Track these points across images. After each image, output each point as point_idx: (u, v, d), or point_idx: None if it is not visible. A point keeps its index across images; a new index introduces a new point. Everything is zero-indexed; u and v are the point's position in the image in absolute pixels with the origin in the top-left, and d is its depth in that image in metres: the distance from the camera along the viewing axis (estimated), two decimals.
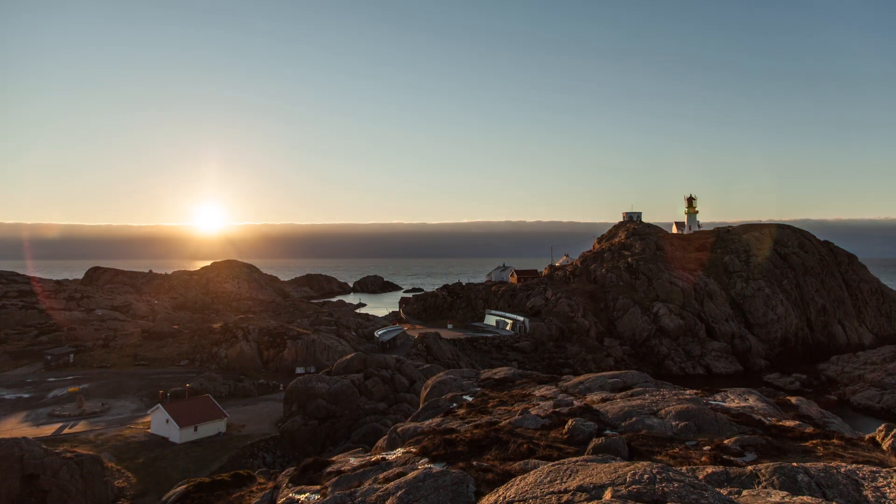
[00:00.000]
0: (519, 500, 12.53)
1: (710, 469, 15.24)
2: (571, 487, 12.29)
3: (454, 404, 32.67)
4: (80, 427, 65.16)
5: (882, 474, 13.42)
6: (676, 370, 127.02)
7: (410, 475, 16.28)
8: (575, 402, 28.53)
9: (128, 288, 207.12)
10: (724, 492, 11.94)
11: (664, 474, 11.83)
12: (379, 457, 21.75)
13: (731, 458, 17.86)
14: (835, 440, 20.24)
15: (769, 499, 11.56)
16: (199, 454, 59.98)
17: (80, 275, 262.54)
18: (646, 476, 11.82)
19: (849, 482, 13.21)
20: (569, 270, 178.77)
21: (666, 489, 11.13)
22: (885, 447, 19.37)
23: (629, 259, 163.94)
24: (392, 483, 16.39)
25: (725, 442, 19.92)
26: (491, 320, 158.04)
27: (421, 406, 36.64)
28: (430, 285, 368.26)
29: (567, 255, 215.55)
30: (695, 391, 31.01)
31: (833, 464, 14.56)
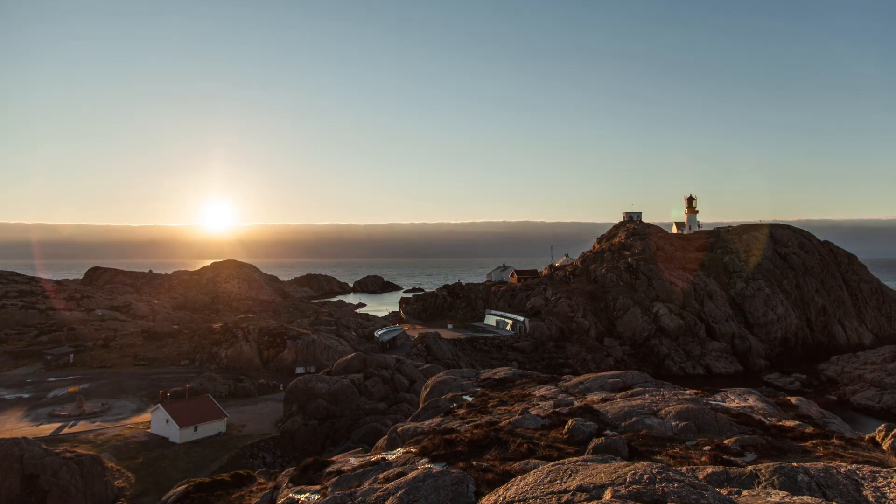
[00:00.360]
0: (519, 500, 12.53)
1: (710, 469, 15.23)
2: (571, 487, 12.29)
3: (454, 404, 32.67)
4: (80, 427, 65.15)
5: (882, 474, 13.41)
6: (676, 370, 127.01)
7: (410, 475, 16.28)
8: (575, 402, 28.53)
9: (128, 288, 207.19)
10: (724, 492, 11.93)
11: (664, 474, 11.82)
12: (379, 457, 21.75)
13: (731, 458, 17.85)
14: (835, 440, 20.24)
15: (769, 499, 11.56)
16: (199, 454, 59.98)
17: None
18: (646, 476, 11.81)
19: (849, 482, 13.21)
20: (569, 270, 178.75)
21: (666, 489, 11.13)
22: (885, 447, 19.37)
23: (629, 259, 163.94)
24: (392, 483, 16.39)
25: (725, 442, 19.92)
26: (491, 320, 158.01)
27: (421, 406, 36.64)
28: (431, 285, 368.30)
29: (567, 255, 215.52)
30: (695, 391, 31.00)
31: (833, 464, 14.56)
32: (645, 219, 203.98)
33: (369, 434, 65.46)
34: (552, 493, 12.32)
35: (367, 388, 77.38)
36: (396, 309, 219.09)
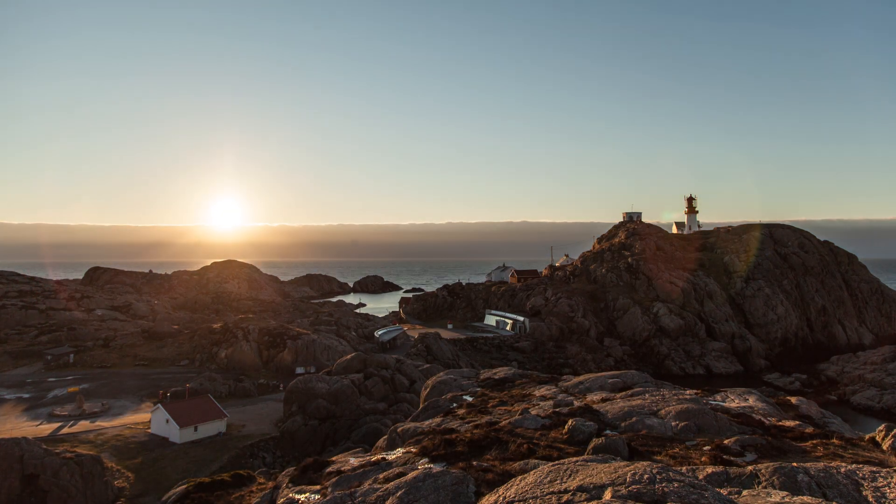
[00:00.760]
0: (519, 500, 12.53)
1: (710, 469, 15.23)
2: (571, 487, 12.29)
3: (454, 404, 32.67)
4: (80, 427, 65.13)
5: (882, 474, 13.41)
6: (676, 370, 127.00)
7: (410, 475, 16.28)
8: (575, 402, 28.53)
9: (128, 288, 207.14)
10: (724, 492, 11.93)
11: (664, 474, 11.82)
12: (379, 457, 21.74)
13: (731, 459, 17.85)
14: (835, 440, 20.24)
15: (769, 499, 11.56)
16: (199, 454, 59.98)
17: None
18: (646, 476, 11.82)
19: (849, 482, 13.21)
20: (569, 270, 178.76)
21: (666, 489, 11.13)
22: (885, 447, 19.37)
23: (629, 259, 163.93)
24: (392, 483, 16.38)
25: (725, 442, 19.92)
26: (491, 320, 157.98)
27: (421, 406, 36.64)
28: (431, 285, 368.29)
29: (567, 255, 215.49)
30: (695, 391, 31.01)
31: (833, 464, 14.56)
32: (645, 219, 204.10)
33: (369, 434, 65.48)
34: (552, 493, 12.32)
35: (367, 388, 77.38)
36: (396, 309, 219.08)
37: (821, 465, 14.26)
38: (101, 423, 66.63)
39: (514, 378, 38.33)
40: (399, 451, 22.39)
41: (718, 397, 29.40)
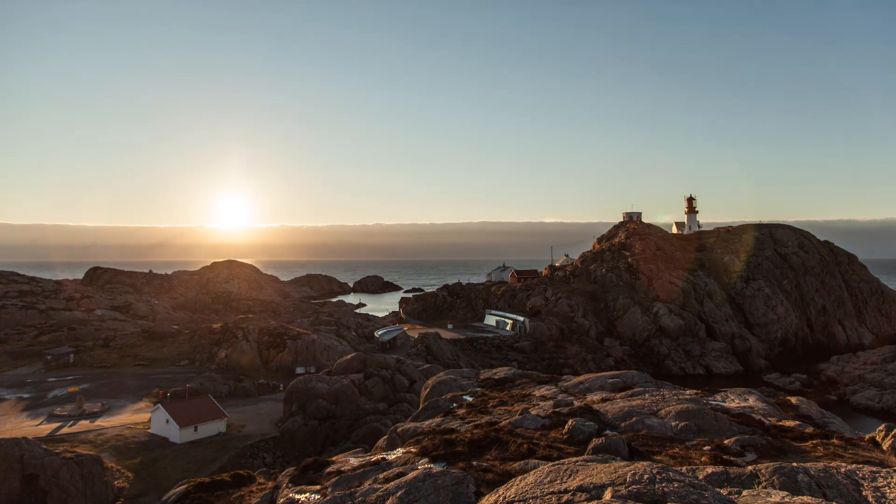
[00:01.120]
0: (519, 500, 12.53)
1: (710, 469, 15.23)
2: (571, 487, 12.29)
3: (454, 404, 32.67)
4: (80, 427, 65.13)
5: (882, 474, 13.41)
6: (676, 370, 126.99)
7: (410, 475, 16.27)
8: (575, 402, 28.53)
9: (128, 288, 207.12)
10: (724, 492, 11.93)
11: (664, 474, 11.82)
12: (379, 457, 21.74)
13: (731, 459, 17.85)
14: (835, 440, 20.24)
15: (769, 499, 11.55)
16: (199, 454, 59.98)
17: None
18: (646, 476, 11.81)
19: (849, 482, 13.20)
20: (569, 270, 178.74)
21: (666, 489, 11.13)
22: (885, 447, 19.37)
23: (629, 259, 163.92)
24: (392, 483, 16.38)
25: (725, 442, 19.92)
26: (491, 320, 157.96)
27: (421, 406, 36.63)
28: (431, 285, 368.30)
29: (567, 255, 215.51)
30: (695, 391, 31.01)
31: (833, 464, 14.56)
32: (645, 219, 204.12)
33: (369, 434, 65.47)
34: (552, 493, 12.32)
35: (367, 388, 77.38)
36: (396, 309, 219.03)
37: (821, 465, 14.26)
38: (101, 423, 66.63)
39: (514, 378, 38.32)
40: (399, 451, 22.38)
41: (718, 397, 29.40)
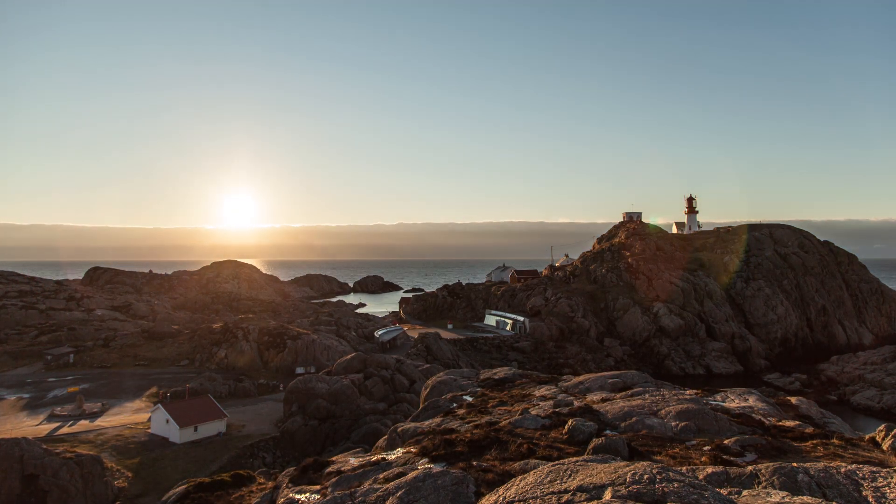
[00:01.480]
0: (519, 500, 12.53)
1: (710, 469, 15.24)
2: (571, 487, 12.29)
3: (454, 404, 32.67)
4: (80, 427, 65.13)
5: (882, 474, 13.41)
6: (676, 370, 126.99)
7: (410, 475, 16.27)
8: (575, 403, 28.53)
9: (128, 288, 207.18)
10: (724, 492, 11.93)
11: (664, 474, 11.82)
12: (379, 457, 21.74)
13: (731, 459, 17.85)
14: (835, 440, 20.25)
15: (769, 499, 11.55)
16: (199, 454, 59.98)
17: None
18: (646, 476, 11.81)
19: (849, 482, 13.20)
20: (569, 270, 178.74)
21: (666, 489, 11.13)
22: (885, 447, 19.37)
23: (629, 259, 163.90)
24: (392, 483, 16.38)
25: (725, 442, 19.92)
26: (491, 320, 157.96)
27: (421, 406, 36.63)
28: (431, 286, 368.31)
29: (567, 255, 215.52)
30: (695, 391, 31.01)
31: (833, 464, 14.55)
32: (646, 219, 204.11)
33: (369, 434, 65.46)
34: (552, 493, 12.32)
35: (367, 388, 77.38)
36: (396, 309, 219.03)
37: (821, 465, 14.26)
38: (101, 423, 66.63)
39: (514, 378, 38.32)
40: (399, 452, 22.38)
41: (718, 397, 29.40)
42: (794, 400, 29.22)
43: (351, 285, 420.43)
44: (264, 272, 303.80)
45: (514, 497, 12.76)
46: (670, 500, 10.75)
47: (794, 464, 14.42)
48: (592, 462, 14.06)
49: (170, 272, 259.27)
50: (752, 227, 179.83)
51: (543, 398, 30.85)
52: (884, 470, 13.73)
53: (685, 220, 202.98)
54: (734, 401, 28.38)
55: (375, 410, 73.04)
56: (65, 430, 63.97)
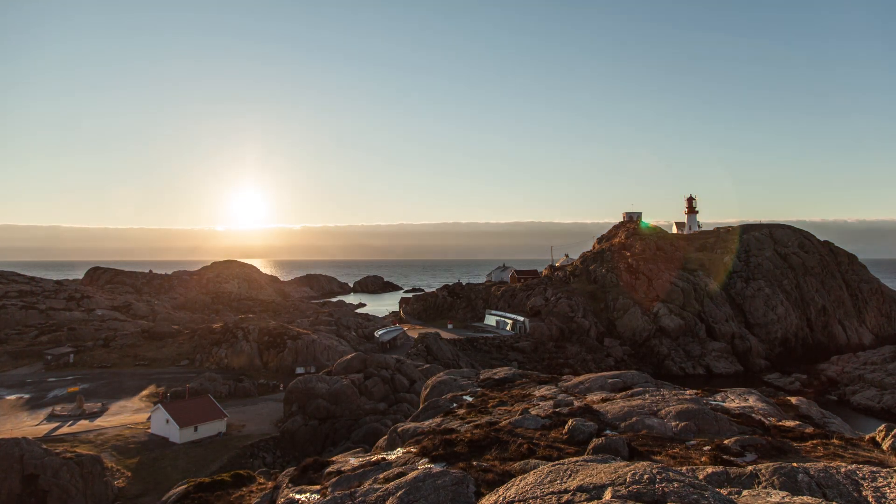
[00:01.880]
0: (519, 500, 12.53)
1: (710, 469, 15.24)
2: (571, 487, 12.29)
3: (454, 404, 32.67)
4: (80, 427, 65.14)
5: (882, 474, 13.40)
6: (676, 370, 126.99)
7: (410, 475, 16.27)
8: (575, 403, 28.53)
9: (128, 288, 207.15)
10: (724, 492, 11.93)
11: (664, 474, 11.82)
12: (379, 457, 21.74)
13: (731, 459, 17.85)
14: (835, 440, 20.25)
15: (769, 499, 11.55)
16: (199, 454, 59.99)
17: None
18: (646, 476, 11.81)
19: (849, 482, 13.20)
20: (569, 270, 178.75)
21: (666, 489, 11.13)
22: (885, 447, 19.37)
23: (629, 259, 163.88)
24: (392, 483, 16.38)
25: (725, 442, 19.91)
26: (491, 320, 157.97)
27: (421, 406, 36.63)
28: (431, 286, 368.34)
29: (567, 255, 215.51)
30: (695, 391, 31.00)
31: (833, 464, 14.55)
32: (646, 219, 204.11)
33: (369, 434, 65.46)
34: (552, 493, 12.32)
35: (367, 388, 77.37)
36: (396, 309, 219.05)
37: (821, 465, 14.26)
38: (101, 423, 66.65)
39: (514, 378, 38.32)
40: (399, 452, 22.38)
41: (718, 397, 29.40)
42: (794, 400, 29.22)
43: (351, 285, 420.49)
44: (265, 272, 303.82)
45: (514, 497, 12.76)
46: (670, 500, 10.75)
47: (794, 464, 14.42)
48: (592, 462, 14.06)
49: (170, 272, 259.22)
50: (752, 227, 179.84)
51: (543, 398, 30.85)
52: (884, 470, 13.73)
53: (685, 220, 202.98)
54: (734, 401, 28.38)
55: (375, 410, 73.04)
56: (65, 429, 63.98)
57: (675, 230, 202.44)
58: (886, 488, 12.74)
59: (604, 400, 28.69)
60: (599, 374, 35.25)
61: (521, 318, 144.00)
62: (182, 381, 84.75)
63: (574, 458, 14.84)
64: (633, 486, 11.47)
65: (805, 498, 11.39)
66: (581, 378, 35.03)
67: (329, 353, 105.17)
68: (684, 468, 15.63)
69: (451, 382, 38.94)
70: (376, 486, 17.02)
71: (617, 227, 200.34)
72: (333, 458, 23.74)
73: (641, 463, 12.95)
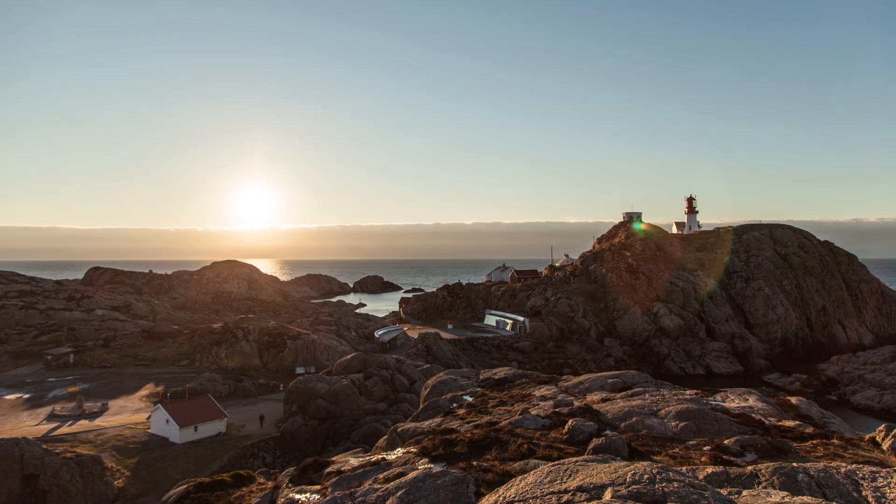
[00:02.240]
0: (519, 501, 12.53)
1: (710, 469, 15.24)
2: (571, 487, 12.29)
3: (454, 404, 32.68)
4: (80, 427, 65.13)
5: (882, 474, 13.40)
6: (676, 370, 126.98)
7: (410, 475, 16.27)
8: (575, 403, 28.53)
9: (128, 288, 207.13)
10: (724, 492, 11.93)
11: (664, 474, 11.82)
12: (379, 457, 21.75)
13: (731, 459, 17.86)
14: (835, 440, 20.25)
15: (769, 499, 11.56)
16: (199, 454, 59.97)
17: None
18: (646, 476, 11.82)
19: (849, 482, 13.20)
20: (569, 270, 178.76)
21: (666, 489, 11.13)
22: (885, 447, 19.37)
23: (629, 259, 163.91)
24: (392, 483, 16.38)
25: (725, 442, 19.92)
26: (491, 320, 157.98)
27: (421, 406, 36.63)
28: (431, 286, 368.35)
29: (567, 255, 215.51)
30: (695, 391, 31.00)
31: (833, 464, 14.55)
32: (646, 219, 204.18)
33: (369, 434, 65.47)
34: (552, 493, 12.32)
35: (367, 388, 77.38)
36: (396, 309, 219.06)
37: (821, 465, 14.26)
38: (101, 423, 66.64)
39: (514, 378, 38.33)
40: (399, 452, 22.39)
41: (718, 397, 29.40)
42: (794, 400, 29.22)
43: (351, 285, 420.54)
44: (265, 273, 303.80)
45: (514, 497, 12.76)
46: (670, 500, 10.75)
47: (794, 464, 14.43)
48: (592, 462, 14.06)
49: (169, 272, 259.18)
50: (752, 227, 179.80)
51: (543, 398, 30.85)
52: (884, 470, 13.73)
53: (685, 220, 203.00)
54: (734, 401, 28.38)
55: (375, 410, 73.04)
56: (65, 429, 63.96)
57: (675, 230, 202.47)
58: (886, 488, 12.75)
59: (604, 400, 28.69)
60: (599, 374, 35.26)
61: (521, 318, 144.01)
62: (182, 381, 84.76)
63: (574, 459, 14.84)
64: (633, 487, 11.47)
65: (805, 498, 11.39)
66: (581, 378, 35.04)
67: (329, 353, 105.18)
68: (684, 468, 15.64)
69: (451, 382, 38.95)
70: (376, 486, 17.02)
71: (617, 227, 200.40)
72: (333, 459, 23.74)
73: (641, 463, 12.96)
